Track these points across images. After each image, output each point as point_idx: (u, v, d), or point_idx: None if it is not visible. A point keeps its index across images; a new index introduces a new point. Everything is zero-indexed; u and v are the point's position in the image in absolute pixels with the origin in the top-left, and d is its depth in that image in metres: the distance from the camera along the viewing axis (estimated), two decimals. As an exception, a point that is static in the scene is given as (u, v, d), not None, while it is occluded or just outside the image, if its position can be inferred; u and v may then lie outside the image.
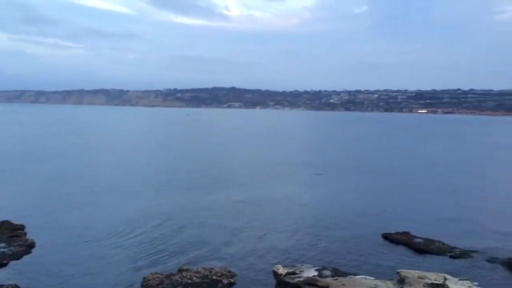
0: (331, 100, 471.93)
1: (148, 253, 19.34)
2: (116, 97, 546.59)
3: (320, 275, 14.12)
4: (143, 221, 24.39)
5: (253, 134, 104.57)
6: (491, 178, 43.58)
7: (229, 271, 16.53)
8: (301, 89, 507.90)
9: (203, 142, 78.87)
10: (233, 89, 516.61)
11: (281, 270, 14.46)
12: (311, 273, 14.26)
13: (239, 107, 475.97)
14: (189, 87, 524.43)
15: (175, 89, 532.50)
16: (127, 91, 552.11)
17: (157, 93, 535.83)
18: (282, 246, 20.85)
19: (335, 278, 13.69)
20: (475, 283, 13.06)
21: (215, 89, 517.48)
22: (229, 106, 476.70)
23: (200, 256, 19.13)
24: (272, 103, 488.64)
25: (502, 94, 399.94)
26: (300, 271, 14.48)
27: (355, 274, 15.04)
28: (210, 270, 16.26)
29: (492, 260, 19.37)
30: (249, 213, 27.08)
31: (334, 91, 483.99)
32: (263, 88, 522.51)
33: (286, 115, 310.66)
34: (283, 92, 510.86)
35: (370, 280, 13.73)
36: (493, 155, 67.41)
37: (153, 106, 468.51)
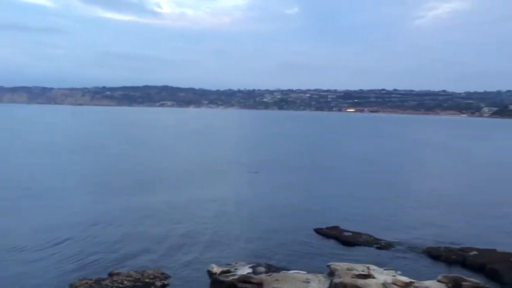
0: (265, 99, 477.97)
1: (76, 258, 18.46)
2: (39, 95, 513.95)
3: (254, 272, 14.30)
4: (72, 225, 23.24)
5: (186, 133, 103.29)
6: (412, 173, 46.45)
7: (163, 273, 16.24)
8: (235, 88, 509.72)
9: (134, 142, 76.53)
10: (165, 88, 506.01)
11: (216, 269, 14.45)
12: (245, 270, 14.39)
13: (172, 105, 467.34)
14: (120, 85, 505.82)
15: (104, 87, 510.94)
16: (51, 88, 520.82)
17: (85, 91, 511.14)
18: (216, 245, 20.83)
19: (268, 274, 13.93)
20: (399, 272, 13.88)
21: (147, 87, 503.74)
22: (162, 105, 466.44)
23: (132, 259, 18.59)
24: (206, 102, 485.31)
25: (421, 94, 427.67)
26: (235, 269, 14.56)
27: (288, 269, 15.40)
28: (142, 273, 15.87)
29: (413, 249, 20.72)
30: (183, 213, 26.74)
31: (268, 90, 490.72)
32: (196, 86, 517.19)
33: (220, 114, 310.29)
34: (217, 91, 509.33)
35: (302, 274, 14.12)
36: (413, 151, 71.82)
37: (80, 104, 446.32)
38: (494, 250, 19.83)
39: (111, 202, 28.85)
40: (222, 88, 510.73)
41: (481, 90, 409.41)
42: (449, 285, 11.77)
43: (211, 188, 34.39)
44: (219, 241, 21.52)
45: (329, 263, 14.37)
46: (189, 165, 46.90)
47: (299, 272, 14.35)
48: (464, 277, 12.81)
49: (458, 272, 16.75)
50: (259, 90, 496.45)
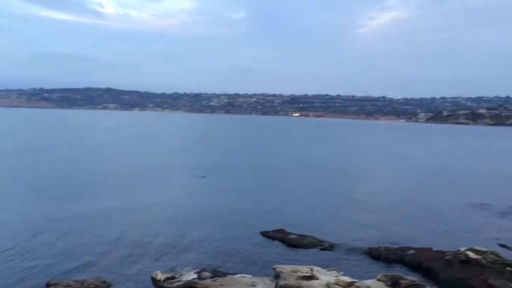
0: (212, 103, 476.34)
1: (9, 270, 17.38)
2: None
3: (199, 278, 14.13)
4: (5, 235, 21.87)
5: (130, 137, 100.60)
6: (353, 176, 47.95)
7: (104, 281, 15.65)
8: (181, 91, 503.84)
9: (74, 145, 73.45)
10: (108, 90, 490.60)
11: (160, 276, 14.14)
12: (190, 276, 14.19)
13: (115, 108, 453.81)
14: (59, 86, 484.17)
15: (41, 89, 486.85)
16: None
17: (20, 92, 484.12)
18: (160, 251, 20.41)
19: (214, 279, 13.82)
20: (341, 272, 14.26)
21: (88, 89, 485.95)
22: (104, 108, 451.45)
23: (71, 268, 17.77)
24: (151, 105, 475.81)
25: (363, 100, 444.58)
26: (180, 275, 14.31)
27: (234, 273, 15.37)
28: (82, 282, 15.20)
29: (355, 250, 21.40)
30: (125, 219, 25.97)
31: (214, 94, 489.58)
32: (141, 89, 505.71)
33: (166, 117, 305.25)
34: (163, 94, 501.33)
35: (248, 278, 14.14)
36: (355, 155, 74.27)
37: (15, 106, 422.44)
38: (430, 249, 20.87)
39: (51, 209, 27.47)
40: (168, 91, 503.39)
41: (417, 96, 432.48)
42: (388, 283, 12.25)
43: (156, 194, 33.67)
44: (164, 247, 21.10)
45: (274, 266, 14.50)
46: (133, 170, 45.65)
47: (244, 276, 14.36)
48: (402, 275, 13.38)
49: (397, 271, 17.48)
50: (205, 93, 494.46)
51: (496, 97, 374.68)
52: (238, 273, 15.51)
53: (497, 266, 16.34)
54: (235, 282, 13.48)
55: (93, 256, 19.48)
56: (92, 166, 47.60)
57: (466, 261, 17.51)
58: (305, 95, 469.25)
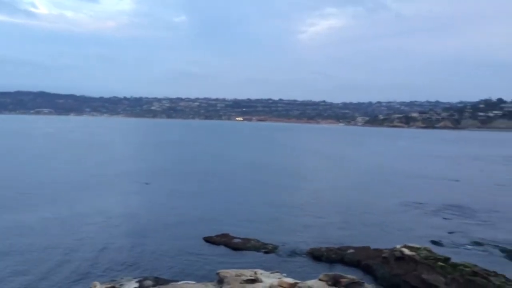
0: (153, 107, 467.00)
1: None
2: None
3: (141, 287, 13.77)
4: None
5: (66, 143, 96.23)
6: (295, 178, 48.82)
7: (39, 296, 14.82)
8: (121, 96, 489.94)
9: (4, 152, 69.06)
10: (42, 94, 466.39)
11: (99, 287, 13.61)
12: (131, 285, 13.78)
13: (50, 113, 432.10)
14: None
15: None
16: None
17: None
18: (101, 261, 19.68)
19: (156, 287, 13.53)
20: (284, 274, 14.46)
21: (19, 93, 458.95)
22: (37, 112, 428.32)
23: (6, 282, 16.71)
24: (88, 109, 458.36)
25: (304, 104, 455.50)
26: (120, 285, 13.86)
27: (177, 281, 15.12)
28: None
29: (298, 251, 21.83)
30: (65, 229, 24.81)
31: (156, 98, 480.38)
32: (78, 93, 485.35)
33: (105, 122, 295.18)
34: (101, 98, 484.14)
35: (191, 284, 13.97)
36: (297, 158, 75.72)
37: None
38: (368, 248, 21.71)
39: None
40: (106, 95, 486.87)
41: (355, 101, 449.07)
42: (329, 283, 12.59)
43: (97, 202, 32.39)
44: (103, 256, 20.36)
45: (218, 271, 14.42)
46: (72, 179, 43.67)
47: (188, 283, 14.17)
48: (342, 274, 13.79)
49: (337, 270, 18.00)
50: (146, 98, 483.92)
51: (427, 101, 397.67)
52: (181, 280, 15.27)
53: (430, 261, 17.28)
54: (178, 289, 13.26)
55: (27, 267, 18.45)
56: (27, 176, 44.93)
57: (402, 258, 18.38)
58: (248, 99, 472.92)
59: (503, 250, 22.70)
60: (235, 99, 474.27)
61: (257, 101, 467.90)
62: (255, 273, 13.64)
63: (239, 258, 20.80)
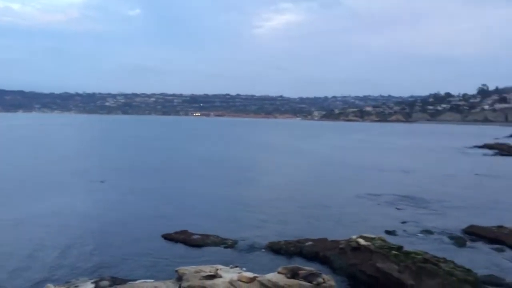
0: (107, 103, 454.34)
1: None
2: None
3: (97, 287, 13.44)
4: None
5: (16, 141, 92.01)
6: (253, 172, 49.11)
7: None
8: (73, 91, 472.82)
9: None
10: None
11: (53, 289, 13.18)
12: (87, 286, 13.43)
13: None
14: None
15: None
16: None
17: None
18: (54, 263, 19.01)
19: (113, 287, 13.25)
20: (244, 268, 14.55)
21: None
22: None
23: None
24: (38, 106, 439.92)
25: (262, 99, 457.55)
26: (75, 286, 13.47)
27: (135, 279, 14.89)
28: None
29: (257, 245, 21.99)
30: (16, 232, 23.83)
31: (110, 94, 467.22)
32: (26, 89, 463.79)
33: (56, 119, 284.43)
34: (51, 94, 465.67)
35: (149, 283, 13.79)
36: (254, 152, 76.10)
37: None
38: (325, 239, 22.19)
39: None
40: (57, 91, 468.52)
41: (312, 95, 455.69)
42: (288, 275, 12.78)
43: (50, 202, 31.16)
44: (57, 258, 19.70)
45: (177, 268, 14.31)
46: (21, 178, 41.85)
47: (146, 281, 13.98)
48: (301, 266, 14.04)
49: (296, 262, 18.31)
50: (100, 93, 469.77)
51: (380, 96, 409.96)
52: (139, 279, 15.05)
53: (384, 250, 17.90)
54: (136, 288, 13.06)
55: (-27, 274, 17.54)
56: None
57: (357, 248, 18.93)
58: (206, 94, 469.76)
59: (452, 237, 23.84)
60: (193, 94, 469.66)
61: (215, 96, 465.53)
62: (215, 268, 13.64)
63: (199, 254, 20.71)
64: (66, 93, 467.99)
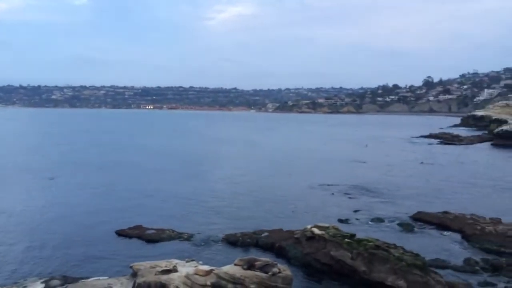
0: (53, 96, 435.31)
1: None
2: None
3: (47, 287, 12.95)
4: None
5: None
6: (207, 165, 48.84)
7: None
8: (16, 84, 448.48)
9: None
10: None
11: (-1, 292, 12.56)
12: (36, 286, 12.91)
13: None
14: None
15: None
16: None
17: None
18: (5, 264, 18.16)
19: (64, 286, 12.81)
20: (200, 262, 14.49)
21: None
22: None
23: None
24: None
25: (215, 91, 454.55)
26: (24, 286, 12.91)
27: (88, 277, 14.47)
28: None
29: (213, 238, 21.96)
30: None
31: (56, 86, 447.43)
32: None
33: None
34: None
35: (103, 280, 13.45)
36: (208, 145, 75.68)
37: None
38: (281, 230, 22.51)
39: None
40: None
41: (265, 88, 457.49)
42: (244, 266, 12.85)
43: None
44: (9, 259, 18.83)
45: (131, 264, 14.03)
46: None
47: (99, 279, 13.61)
48: (257, 257, 14.15)
49: (252, 254, 18.47)
50: (46, 86, 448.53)
51: (332, 87, 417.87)
52: (92, 277, 14.64)
53: (337, 239, 18.38)
54: (88, 286, 12.69)
55: None
56: None
57: (312, 237, 19.33)
58: (158, 87, 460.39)
59: (401, 224, 24.84)
60: (144, 87, 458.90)
61: (168, 89, 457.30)
62: (171, 263, 13.49)
63: (154, 249, 20.42)
64: (9, 85, 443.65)
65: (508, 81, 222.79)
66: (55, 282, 13.21)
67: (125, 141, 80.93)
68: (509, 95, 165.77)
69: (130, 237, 22.31)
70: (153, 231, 22.74)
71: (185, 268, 13.27)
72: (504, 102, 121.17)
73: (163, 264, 13.28)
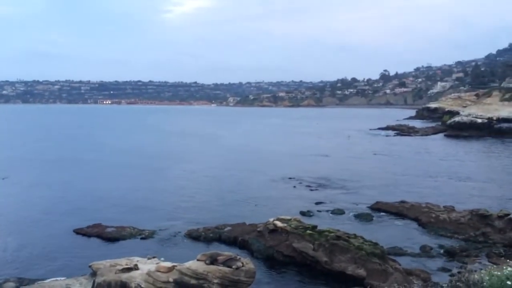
0: (4, 92, 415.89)
1: None
2: None
3: (1, 291, 12.40)
4: None
5: None
6: (168, 161, 48.13)
7: None
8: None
9: None
10: None
11: None
12: (-11, 291, 12.33)
13: None
14: None
15: None
16: None
17: None
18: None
19: (19, 289, 12.31)
20: (162, 258, 14.27)
21: None
22: None
23: None
24: None
25: (176, 85, 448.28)
26: (-25, 292, 12.30)
27: (44, 279, 13.97)
28: None
29: (175, 234, 21.76)
30: None
31: (8, 81, 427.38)
32: None
33: None
34: None
35: (61, 281, 13.03)
36: (169, 140, 74.70)
37: None
38: (244, 224, 22.56)
39: None
40: None
41: (226, 82, 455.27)
42: (207, 261, 12.77)
43: None
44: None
45: (90, 263, 13.65)
46: None
47: (57, 280, 13.17)
48: (220, 252, 14.11)
49: (216, 248, 18.39)
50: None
51: (292, 81, 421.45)
52: (50, 277, 14.15)
53: (299, 230, 18.62)
54: (46, 288, 12.25)
55: None
56: None
57: (275, 230, 19.50)
58: (116, 81, 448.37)
59: (361, 214, 25.47)
60: (102, 81, 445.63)
61: (126, 83, 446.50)
62: (131, 261, 13.22)
63: (114, 247, 20.00)
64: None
65: (460, 74, 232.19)
66: (10, 284, 12.68)
67: (82, 137, 78.47)
68: (460, 87, 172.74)
69: (89, 235, 21.74)
70: (113, 229, 22.24)
71: (147, 266, 13.05)
72: (456, 94, 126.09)
73: (124, 262, 12.99)
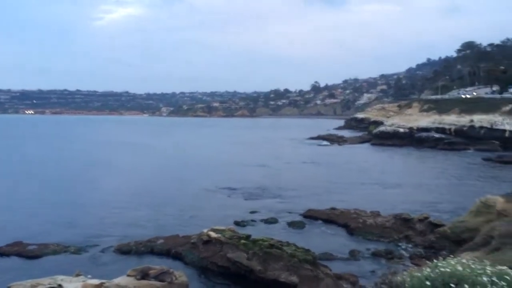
0: None
1: None
2: None
3: None
4: None
5: None
6: (96, 173, 46.16)
7: None
8: None
9: None
10: None
11: None
12: None
13: None
14: None
15: None
16: None
17: None
18: None
19: None
20: (89, 275, 13.52)
21: None
22: None
23: None
24: None
25: (105, 95, 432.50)
26: None
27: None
28: None
29: (104, 250, 20.83)
30: None
31: None
32: None
33: None
34: None
35: (-26, 306, 11.91)
36: (98, 151, 71.73)
37: None
38: (177, 236, 22.11)
39: None
40: None
41: (159, 91, 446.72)
42: (138, 277, 12.30)
43: None
44: None
45: (9, 284, 12.63)
46: None
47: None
48: (151, 265, 13.65)
49: (148, 262, 17.77)
50: None
51: (226, 91, 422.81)
52: (-39, 304, 12.91)
53: (234, 240, 18.58)
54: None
55: None
56: None
57: (209, 241, 19.29)
58: (40, 90, 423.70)
59: (293, 221, 25.98)
60: (23, 90, 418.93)
61: (51, 92, 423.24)
62: (55, 280, 12.41)
63: (36, 266, 18.74)
64: None
65: (383, 87, 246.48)
66: None
67: (2, 150, 73.08)
68: (384, 99, 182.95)
69: (8, 254, 20.23)
70: (35, 246, 20.85)
71: (72, 284, 12.30)
72: (380, 105, 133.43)
73: (47, 282, 12.15)
